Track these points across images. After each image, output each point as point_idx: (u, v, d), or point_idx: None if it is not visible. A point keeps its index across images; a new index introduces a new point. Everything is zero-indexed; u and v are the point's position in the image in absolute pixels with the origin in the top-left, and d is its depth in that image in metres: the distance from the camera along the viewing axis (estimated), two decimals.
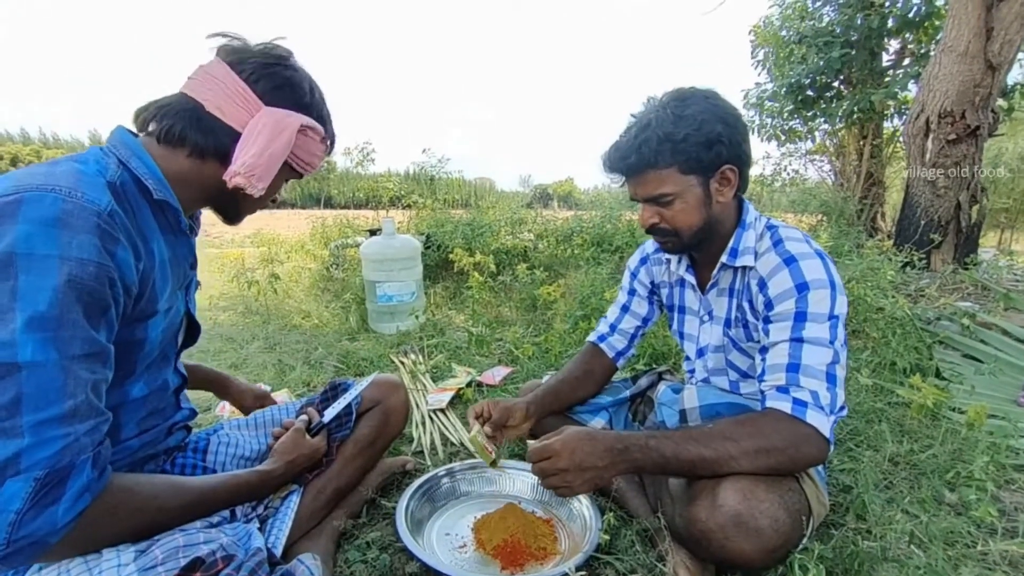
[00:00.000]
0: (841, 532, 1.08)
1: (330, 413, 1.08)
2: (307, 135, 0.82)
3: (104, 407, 0.65)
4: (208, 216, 0.92)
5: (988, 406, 1.37)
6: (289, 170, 0.85)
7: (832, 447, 0.91)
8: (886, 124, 5.29)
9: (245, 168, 0.76)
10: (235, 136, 0.77)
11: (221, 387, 1.21)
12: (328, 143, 0.89)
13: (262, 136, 0.76)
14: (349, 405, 1.11)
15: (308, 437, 1.00)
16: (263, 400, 1.24)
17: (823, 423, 0.88)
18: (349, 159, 5.33)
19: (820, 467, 1.05)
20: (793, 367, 0.91)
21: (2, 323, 0.56)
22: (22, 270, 0.57)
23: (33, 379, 0.57)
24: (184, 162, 0.77)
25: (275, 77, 0.78)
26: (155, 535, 0.69)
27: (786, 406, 0.89)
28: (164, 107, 0.76)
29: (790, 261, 0.96)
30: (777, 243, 1.01)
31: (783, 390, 0.91)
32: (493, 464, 1.18)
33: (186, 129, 0.75)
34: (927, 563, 0.96)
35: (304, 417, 1.05)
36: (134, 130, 0.79)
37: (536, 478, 0.94)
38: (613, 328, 1.35)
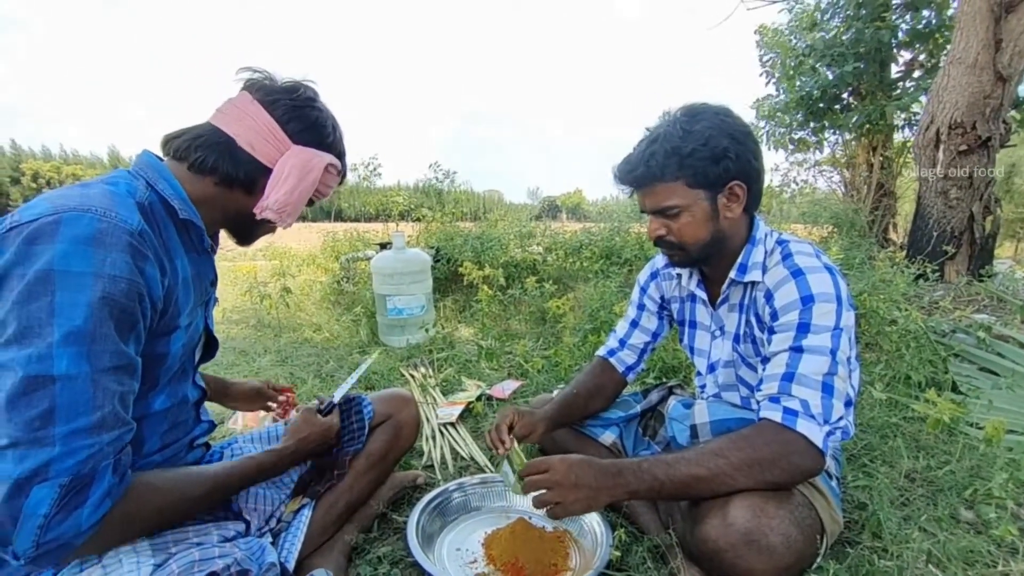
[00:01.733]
0: (857, 550, 1.07)
1: (339, 393, 1.12)
2: (329, 171, 0.88)
3: (129, 417, 0.68)
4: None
5: (1006, 421, 1.34)
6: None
7: (827, 458, 0.90)
8: (896, 135, 5.27)
9: (277, 205, 0.82)
10: (263, 170, 0.82)
11: (222, 393, 1.21)
12: (343, 176, 0.95)
13: (292, 175, 0.82)
14: (362, 418, 1.13)
15: (319, 417, 1.03)
16: (264, 392, 1.25)
17: (815, 432, 0.87)
18: (356, 174, 5.40)
19: (834, 483, 1.04)
20: (787, 376, 0.91)
21: (39, 337, 0.59)
22: (60, 287, 0.60)
23: (66, 391, 0.60)
24: (211, 188, 0.82)
25: (305, 119, 0.84)
26: (177, 524, 0.75)
27: (776, 415, 0.89)
28: (198, 138, 0.81)
29: (797, 274, 0.96)
30: (786, 257, 1.01)
31: (775, 400, 0.91)
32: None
33: (219, 161, 0.80)
34: None
35: (315, 401, 1.09)
36: (159, 154, 0.83)
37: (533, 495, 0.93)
38: (623, 343, 1.35)
